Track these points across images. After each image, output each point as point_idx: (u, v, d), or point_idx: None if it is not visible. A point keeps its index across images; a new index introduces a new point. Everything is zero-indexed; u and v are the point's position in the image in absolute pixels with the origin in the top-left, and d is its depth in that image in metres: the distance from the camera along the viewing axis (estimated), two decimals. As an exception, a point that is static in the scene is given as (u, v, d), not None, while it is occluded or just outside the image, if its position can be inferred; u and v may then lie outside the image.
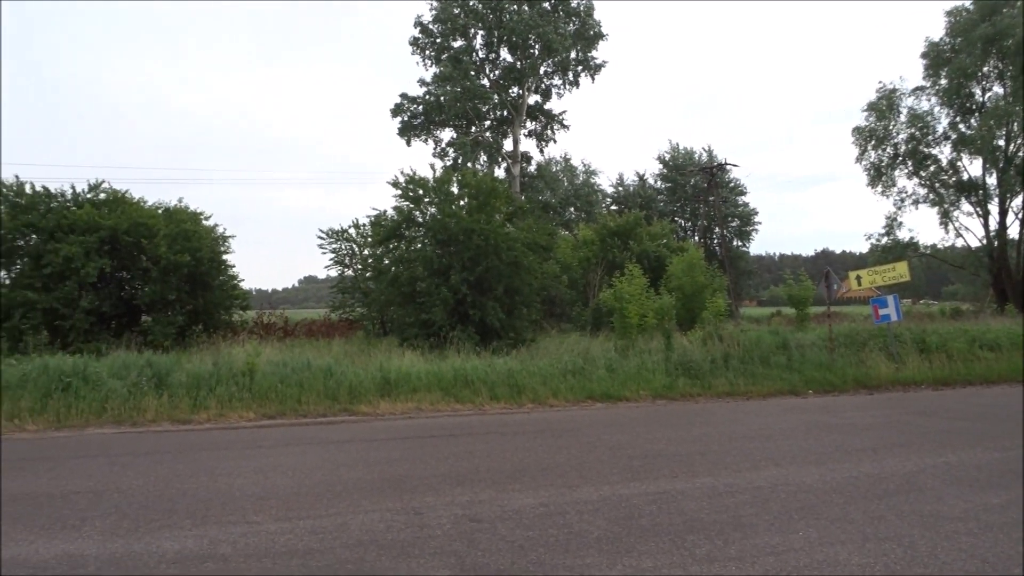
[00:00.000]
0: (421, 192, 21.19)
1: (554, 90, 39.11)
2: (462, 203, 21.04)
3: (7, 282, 19.25)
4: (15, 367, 12.18)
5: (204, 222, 22.27)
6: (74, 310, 18.36)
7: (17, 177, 20.28)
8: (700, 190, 50.65)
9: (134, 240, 19.61)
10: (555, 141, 40.12)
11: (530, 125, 39.45)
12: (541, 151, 40.80)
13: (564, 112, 39.64)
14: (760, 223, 52.94)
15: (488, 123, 38.86)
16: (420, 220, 21.41)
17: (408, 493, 6.51)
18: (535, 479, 7.01)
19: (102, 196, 20.79)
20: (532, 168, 42.58)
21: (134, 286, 20.54)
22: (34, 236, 19.40)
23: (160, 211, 21.77)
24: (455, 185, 21.68)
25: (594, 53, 38.22)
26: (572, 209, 48.81)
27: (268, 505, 6.13)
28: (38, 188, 20.20)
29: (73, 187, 20.66)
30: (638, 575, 4.52)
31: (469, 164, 35.92)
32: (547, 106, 39.35)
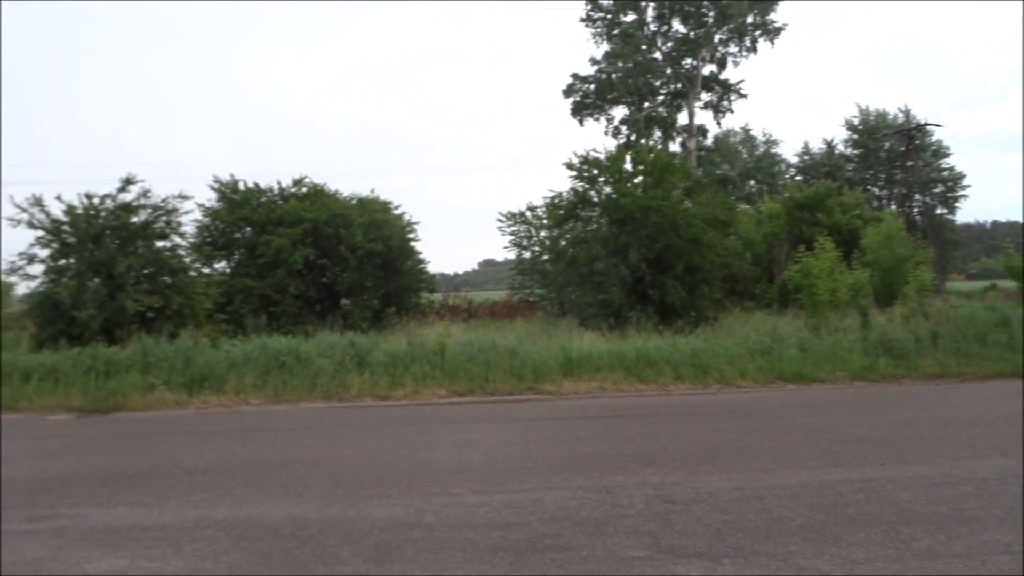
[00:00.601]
0: (596, 172, 21.10)
1: (730, 59, 37.33)
2: (637, 180, 20.74)
3: (228, 271, 21.48)
4: (239, 347, 13.56)
5: (393, 211, 23.59)
6: (284, 295, 20.16)
7: (232, 176, 22.51)
8: (896, 155, 46.52)
9: (333, 231, 21.14)
10: (732, 112, 38.40)
11: (705, 97, 38.00)
12: (718, 123, 39.26)
13: (741, 81, 37.81)
14: (968, 188, 47.74)
15: (661, 97, 37.94)
16: (595, 200, 21.35)
17: (597, 472, 6.56)
18: (727, 461, 6.81)
19: (304, 190, 22.60)
20: (708, 141, 41.11)
21: (334, 273, 22.17)
22: (248, 229, 21.49)
23: (354, 202, 23.32)
24: (629, 162, 21.40)
25: (772, 16, 36.09)
26: (752, 182, 46.64)
27: (466, 478, 6.42)
28: (250, 185, 22.33)
29: (279, 183, 22.65)
30: (849, 566, 4.27)
31: (643, 140, 35.32)
32: (723, 76, 37.69)
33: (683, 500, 5.61)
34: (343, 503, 5.74)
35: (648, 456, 7.12)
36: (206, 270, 20.17)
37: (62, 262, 16.49)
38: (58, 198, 16.61)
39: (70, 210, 16.51)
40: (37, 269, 16.71)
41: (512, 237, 27.91)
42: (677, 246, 19.20)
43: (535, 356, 13.28)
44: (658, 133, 37.33)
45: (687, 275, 19.41)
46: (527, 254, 28.08)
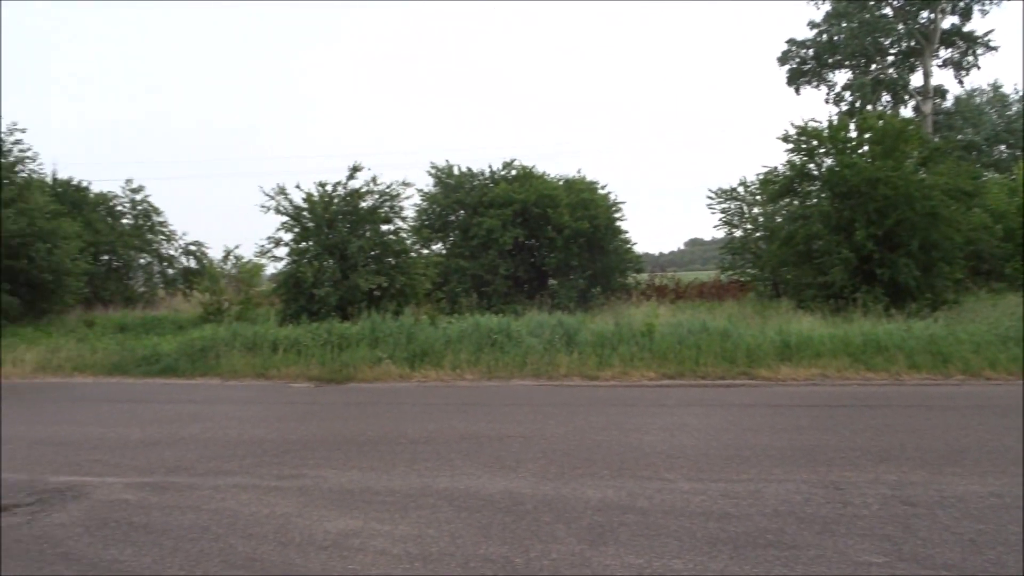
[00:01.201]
0: (815, 143, 19.61)
1: (976, 7, 32.98)
2: (863, 150, 18.99)
3: (444, 252, 22.63)
4: (454, 325, 14.23)
5: (599, 191, 23.55)
6: (495, 275, 20.88)
7: (448, 161, 23.62)
8: None
9: (541, 211, 21.52)
10: (978, 67, 33.98)
11: (944, 53, 33.95)
12: (960, 82, 34.94)
13: (990, 32, 33.26)
14: None
15: (891, 58, 34.44)
16: (815, 173, 19.86)
17: (823, 465, 6.10)
18: (979, 463, 6.05)
19: (513, 173, 23.20)
20: (948, 103, 36.77)
21: (542, 253, 22.59)
22: (462, 212, 22.48)
23: (561, 183, 23.57)
24: (854, 131, 19.64)
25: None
26: (1003, 147, 41.11)
27: (679, 464, 6.24)
28: (463, 169, 23.31)
29: (490, 166, 23.44)
30: None
31: (869, 106, 32.32)
32: (966, 28, 33.39)
33: (926, 503, 5.05)
34: (556, 480, 5.81)
35: (881, 451, 6.51)
36: (425, 251, 21.38)
37: (302, 245, 18.25)
38: (297, 187, 18.38)
39: (308, 198, 18.20)
40: (282, 252, 18.66)
41: (722, 215, 26.79)
42: (911, 221, 17.38)
43: (748, 339, 12.67)
44: (887, 97, 34.03)
45: (922, 253, 17.52)
46: (738, 232, 26.82)
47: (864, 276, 17.42)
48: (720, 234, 27.38)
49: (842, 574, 3.95)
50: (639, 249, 26.72)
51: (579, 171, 25.29)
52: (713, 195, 26.79)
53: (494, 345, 13.07)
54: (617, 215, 23.78)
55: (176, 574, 4.06)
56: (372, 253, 18.30)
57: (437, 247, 23.03)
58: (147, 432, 8.31)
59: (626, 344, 12.81)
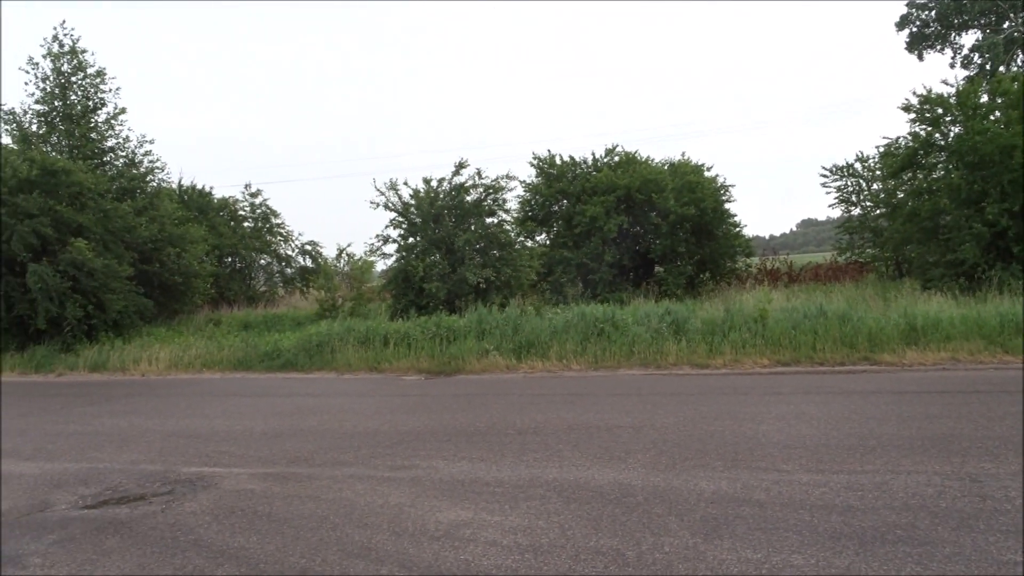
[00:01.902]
0: (940, 111, 18.32)
1: None
2: (995, 116, 17.59)
3: (547, 242, 22.61)
4: (560, 315, 14.20)
5: (706, 173, 22.91)
6: (600, 264, 20.69)
7: (549, 151, 23.54)
8: None
9: (645, 197, 21.14)
10: None
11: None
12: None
13: None
14: None
15: (1027, 14, 31.73)
16: (941, 144, 18.57)
17: (958, 456, 5.68)
18: None
19: (616, 159, 22.90)
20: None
21: (647, 240, 22.21)
22: (564, 201, 22.38)
23: (666, 167, 23.08)
24: (985, 95, 18.21)
25: None
26: None
27: (796, 454, 5.97)
28: (565, 158, 23.19)
29: (593, 154, 23.23)
30: None
31: (1002, 68, 29.92)
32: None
33: (1079, 498, 4.61)
34: (667, 472, 5.67)
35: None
36: (529, 243, 21.43)
37: (410, 240, 18.69)
38: (405, 183, 18.83)
39: (415, 194, 18.60)
40: (391, 248, 19.18)
41: (837, 193, 25.49)
42: (1052, 191, 15.98)
43: (870, 323, 12.02)
44: (1023, 58, 31.36)
45: (1066, 226, 16.09)
46: (856, 210, 25.46)
47: (998, 253, 16.20)
48: (835, 213, 26.13)
49: (983, 574, 3.65)
50: (749, 232, 25.86)
51: (683, 154, 24.70)
52: (828, 172, 25.55)
53: (600, 335, 12.96)
54: (725, 198, 23.09)
55: (297, 562, 4.21)
56: (478, 246, 18.51)
57: (541, 238, 23.04)
58: (269, 425, 8.72)
59: (737, 331, 12.43)
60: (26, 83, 22.55)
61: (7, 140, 21.32)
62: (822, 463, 5.69)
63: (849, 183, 25.34)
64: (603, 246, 20.87)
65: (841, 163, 24.87)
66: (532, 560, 4.07)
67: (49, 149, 21.15)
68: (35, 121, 22.23)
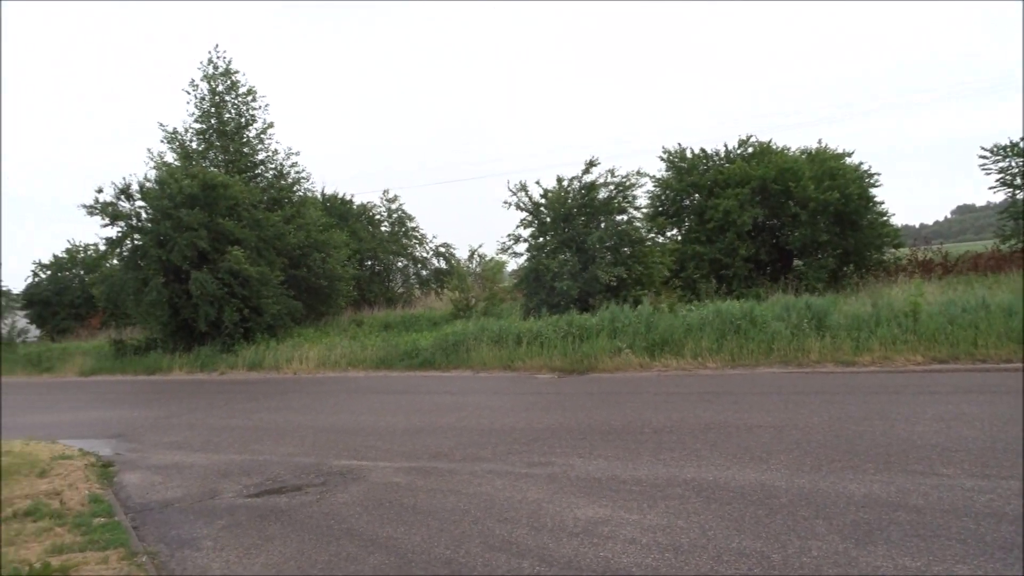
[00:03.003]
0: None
1: None
2: None
3: (679, 238, 22.15)
4: (694, 312, 13.90)
5: (847, 160, 21.70)
6: (734, 259, 20.06)
7: (680, 144, 23.06)
8: None
9: (782, 187, 20.30)
10: None
11: None
12: None
13: None
14: None
15: None
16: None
17: None
18: None
19: (750, 150, 22.12)
20: None
21: (785, 232, 21.31)
22: (696, 195, 21.84)
23: (803, 155, 22.05)
24: None
25: None
26: None
27: (957, 458, 5.58)
28: (696, 151, 22.64)
29: (725, 145, 22.56)
30: None
31: None
32: None
33: None
34: (812, 474, 5.45)
35: None
36: (660, 239, 21.08)
37: (541, 240, 18.86)
38: (537, 183, 19.05)
39: (545, 193, 18.77)
40: (522, 248, 19.44)
41: (1000, 175, 23.41)
42: None
43: (1041, 316, 11.00)
44: None
45: None
46: (1021, 194, 23.30)
47: None
48: (997, 198, 24.01)
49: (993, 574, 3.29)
50: (897, 221, 24.26)
51: (821, 141, 23.46)
52: (988, 153, 23.55)
53: (737, 331, 12.59)
54: (870, 184, 21.76)
55: (442, 553, 4.38)
56: (608, 244, 18.43)
57: (672, 233, 22.60)
58: (411, 421, 9.08)
59: (886, 326, 11.73)
60: (187, 103, 24.56)
61: (171, 157, 23.30)
62: (988, 468, 5.29)
63: (1014, 163, 23.25)
64: (738, 240, 20.21)
65: (1005, 142, 22.84)
66: (672, 559, 4.04)
67: (207, 164, 22.94)
68: (195, 139, 24.20)
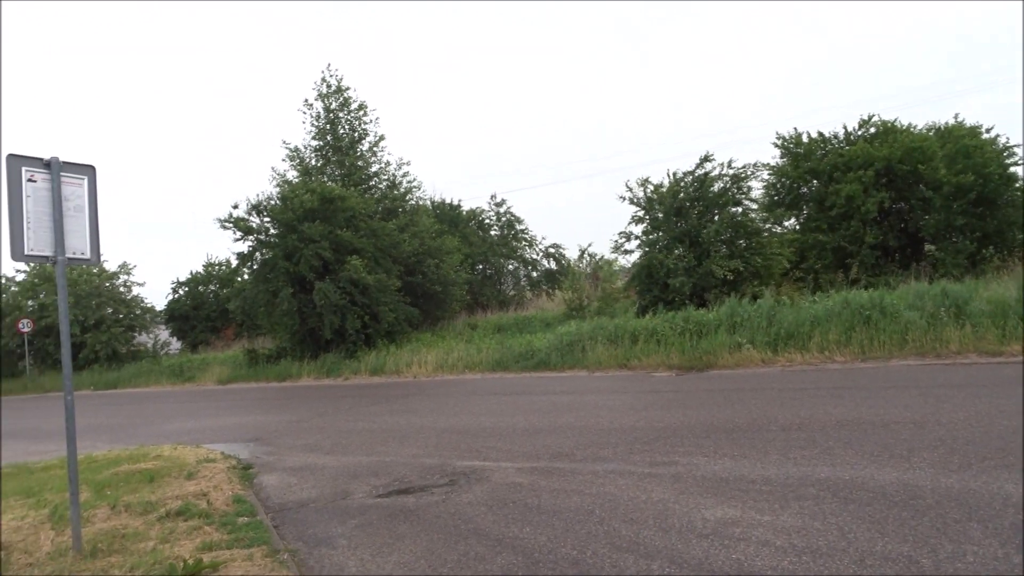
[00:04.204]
0: None
1: None
2: None
3: (798, 227, 21.25)
4: (818, 303, 13.30)
5: (984, 135, 20.19)
6: (859, 246, 19.06)
7: (795, 129, 22.10)
8: None
9: (910, 168, 19.13)
10: None
11: None
12: None
13: None
14: None
15: None
16: None
17: None
18: None
19: (872, 130, 20.96)
20: None
21: (915, 216, 20.07)
22: (815, 181, 20.88)
23: (932, 133, 20.70)
24: None
25: None
26: None
27: None
28: (813, 135, 21.64)
29: (845, 126, 21.46)
30: None
31: None
32: None
33: None
34: (960, 472, 5.09)
35: None
36: (777, 229, 20.30)
37: (653, 236, 18.59)
38: (647, 180, 18.79)
39: (656, 188, 18.51)
40: (633, 245, 19.25)
41: None
42: None
43: None
44: None
45: None
46: None
47: None
48: None
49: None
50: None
51: (957, 116, 21.92)
52: None
53: (867, 323, 11.95)
54: (1011, 161, 20.15)
55: (569, 553, 4.37)
56: (723, 237, 17.95)
57: (789, 223, 21.72)
58: (530, 421, 9.13)
59: (1037, 312, 10.82)
60: (303, 122, 25.77)
61: (292, 175, 24.51)
62: None
63: None
64: (863, 227, 19.18)
65: None
66: (811, 563, 3.86)
67: (325, 179, 23.97)
68: (313, 155, 25.36)
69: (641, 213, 18.80)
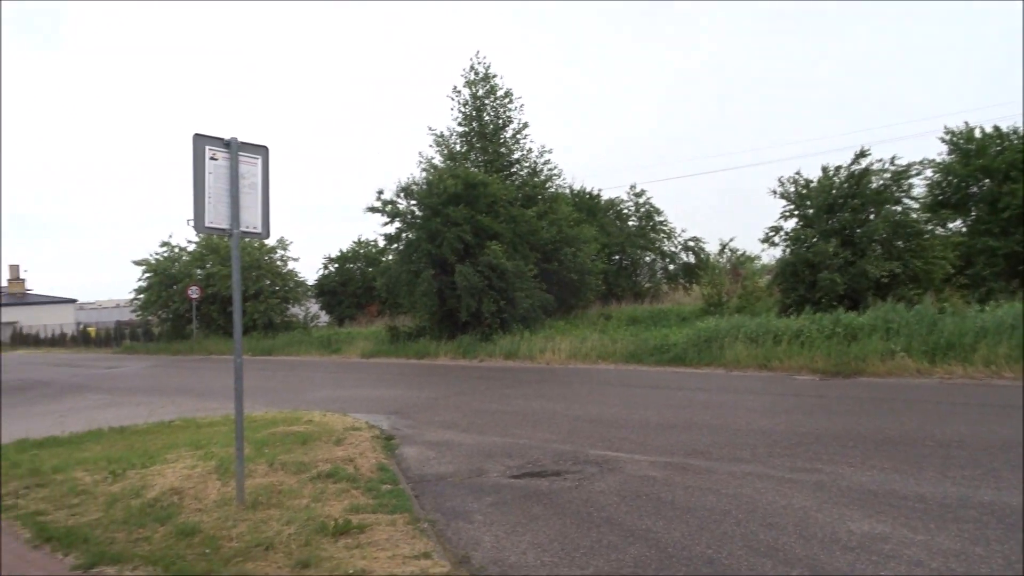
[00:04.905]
0: None
1: None
2: None
3: (964, 230, 19.60)
4: (987, 313, 12.27)
5: None
6: (1037, 253, 17.39)
7: (967, 123, 20.39)
8: None
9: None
10: None
11: None
12: None
13: None
14: None
15: None
16: None
17: None
18: None
19: (1059, 126, 18.98)
20: None
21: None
22: (987, 181, 19.19)
23: None
24: None
25: None
26: None
27: None
28: (986, 130, 19.86)
29: (1025, 123, 19.57)
30: None
31: None
32: None
33: None
34: None
35: None
36: (940, 231, 18.84)
37: (803, 233, 17.78)
38: (798, 174, 18.02)
39: (806, 183, 17.69)
40: (780, 240, 18.50)
41: None
42: None
43: None
44: None
45: None
46: None
47: None
48: None
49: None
50: None
51: None
52: None
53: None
54: None
55: (703, 552, 4.30)
56: (880, 236, 16.90)
57: (955, 225, 20.07)
58: (663, 416, 9.02)
59: None
60: (451, 109, 26.43)
61: (438, 160, 25.24)
62: None
63: None
64: (1044, 231, 17.46)
65: None
66: (969, 589, 3.61)
67: (468, 165, 24.53)
68: (458, 141, 25.99)
69: (792, 208, 18.01)
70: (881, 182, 17.03)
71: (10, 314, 59.26)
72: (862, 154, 17.20)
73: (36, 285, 69.94)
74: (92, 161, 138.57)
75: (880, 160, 17.20)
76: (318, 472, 6.10)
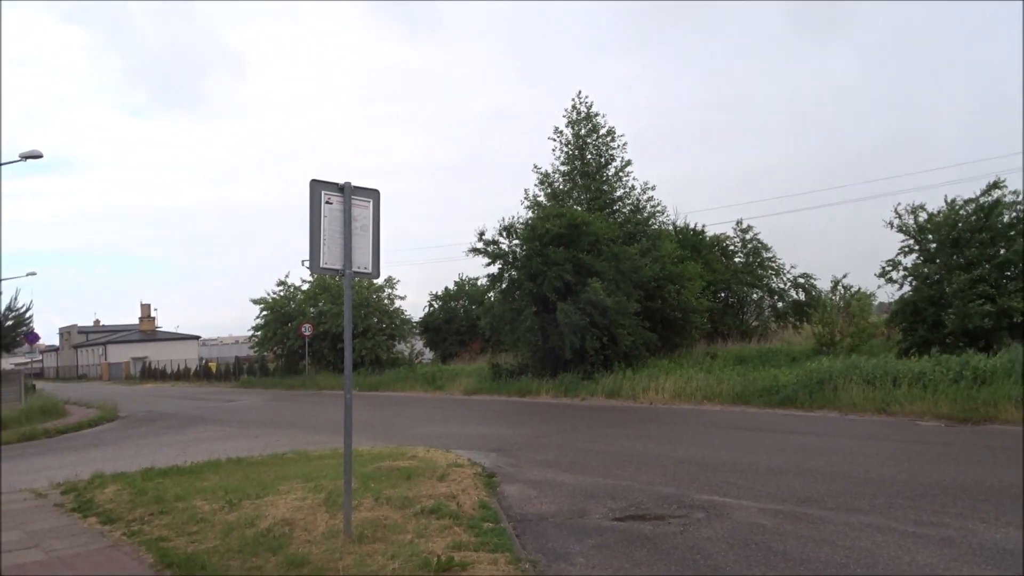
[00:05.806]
0: None
1: None
2: None
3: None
4: None
5: None
6: None
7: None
8: None
9: None
10: None
11: None
12: None
13: None
14: None
15: None
16: None
17: None
18: None
19: None
20: None
21: None
22: None
23: None
24: None
25: None
26: None
27: None
28: None
29: None
30: None
31: None
32: None
33: None
34: None
35: None
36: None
37: (925, 269, 16.85)
38: (921, 207, 17.21)
39: (930, 217, 16.82)
40: (899, 276, 17.58)
41: None
42: None
43: None
44: None
45: None
46: None
47: None
48: None
49: None
50: None
51: None
52: None
53: None
54: None
55: (818, 607, 4.08)
56: (1008, 273, 15.79)
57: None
58: (774, 460, 8.66)
59: None
60: (553, 149, 26.70)
61: (542, 198, 25.49)
62: None
63: None
64: None
65: None
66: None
67: (571, 202, 24.65)
68: (561, 179, 26.21)
69: (911, 243, 17.11)
70: (1014, 214, 15.96)
71: (142, 350, 63.83)
72: (995, 185, 16.20)
73: (165, 323, 75.25)
74: (213, 209, 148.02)
75: (1015, 192, 16.15)
76: (422, 508, 6.18)
